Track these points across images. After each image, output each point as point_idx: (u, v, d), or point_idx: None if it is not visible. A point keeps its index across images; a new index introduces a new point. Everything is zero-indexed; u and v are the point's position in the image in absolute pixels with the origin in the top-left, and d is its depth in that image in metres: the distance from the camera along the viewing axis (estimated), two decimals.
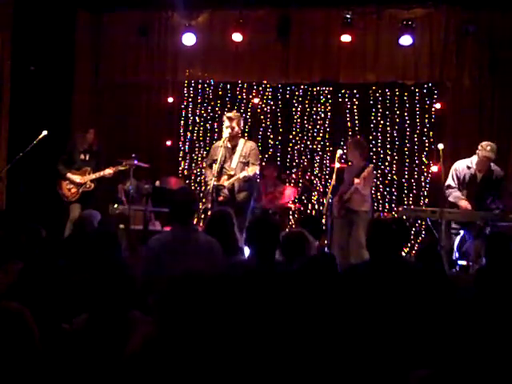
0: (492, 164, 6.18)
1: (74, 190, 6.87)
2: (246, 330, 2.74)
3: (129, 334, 2.50)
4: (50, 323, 2.71)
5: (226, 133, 6.03)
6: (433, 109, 8.38)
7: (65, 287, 3.14)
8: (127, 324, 2.65)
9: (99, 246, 3.72)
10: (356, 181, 6.34)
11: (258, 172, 6.20)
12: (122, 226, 7.00)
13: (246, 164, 6.04)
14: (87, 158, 7.03)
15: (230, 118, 6.07)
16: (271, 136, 9.04)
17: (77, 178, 6.89)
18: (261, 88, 8.99)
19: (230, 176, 5.97)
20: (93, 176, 6.90)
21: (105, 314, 2.68)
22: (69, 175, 6.89)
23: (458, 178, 6.27)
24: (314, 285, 2.77)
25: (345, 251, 6.44)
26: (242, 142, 6.14)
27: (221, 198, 5.91)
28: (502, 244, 3.98)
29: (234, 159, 6.04)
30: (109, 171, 6.95)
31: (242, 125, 6.28)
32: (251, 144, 6.21)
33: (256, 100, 8.94)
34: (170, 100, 9.02)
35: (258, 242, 3.47)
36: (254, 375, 2.45)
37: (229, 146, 6.06)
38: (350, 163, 6.95)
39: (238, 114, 6.29)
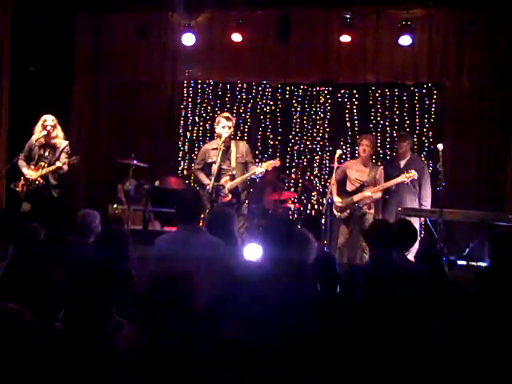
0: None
1: (25, 188, 6.40)
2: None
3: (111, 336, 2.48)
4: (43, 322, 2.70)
5: (224, 133, 5.97)
6: (432, 109, 8.38)
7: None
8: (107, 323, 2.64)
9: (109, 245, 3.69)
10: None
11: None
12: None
13: (245, 163, 6.10)
14: (46, 153, 6.46)
15: (228, 118, 6.04)
16: (271, 136, 9.04)
17: (29, 174, 6.38)
18: (260, 88, 9.00)
19: (232, 176, 5.96)
20: (43, 171, 6.35)
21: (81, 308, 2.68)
22: (24, 170, 6.41)
23: None
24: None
25: (345, 252, 6.44)
26: (232, 142, 6.16)
27: (225, 199, 5.90)
28: (506, 244, 3.90)
29: (232, 159, 6.05)
30: (59, 165, 6.31)
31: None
32: (244, 143, 6.38)
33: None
34: (170, 100, 9.03)
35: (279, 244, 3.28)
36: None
37: (222, 147, 5.96)
38: (344, 161, 6.88)
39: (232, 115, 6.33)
